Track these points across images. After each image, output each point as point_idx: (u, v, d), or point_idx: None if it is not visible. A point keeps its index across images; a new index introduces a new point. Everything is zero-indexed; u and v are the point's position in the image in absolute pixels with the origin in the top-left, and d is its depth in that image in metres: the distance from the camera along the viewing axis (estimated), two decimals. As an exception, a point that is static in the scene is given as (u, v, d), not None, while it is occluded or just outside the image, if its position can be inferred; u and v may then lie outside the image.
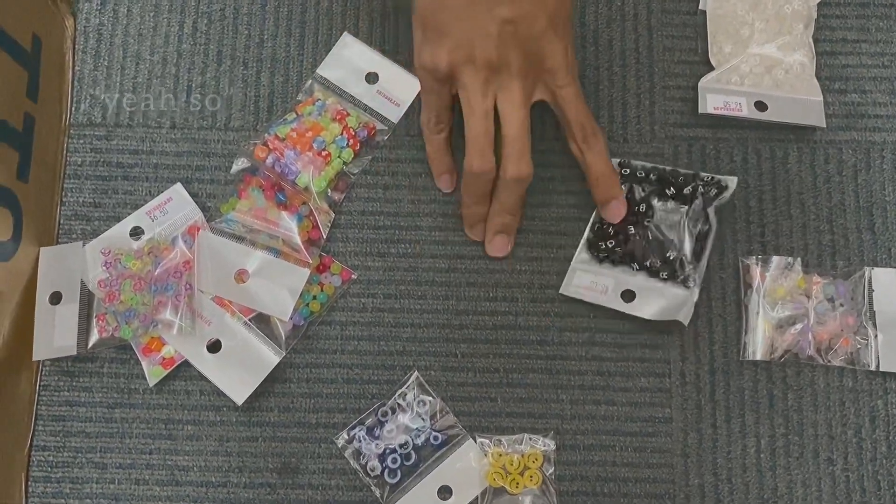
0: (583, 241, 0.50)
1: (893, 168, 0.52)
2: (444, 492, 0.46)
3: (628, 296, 0.49)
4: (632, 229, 0.49)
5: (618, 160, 0.50)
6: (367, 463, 0.46)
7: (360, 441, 0.47)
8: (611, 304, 0.49)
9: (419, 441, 0.47)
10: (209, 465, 0.48)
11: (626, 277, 0.49)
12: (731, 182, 0.49)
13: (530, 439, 0.47)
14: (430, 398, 0.47)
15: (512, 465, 0.46)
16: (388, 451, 0.46)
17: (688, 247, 0.49)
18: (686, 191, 0.49)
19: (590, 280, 0.49)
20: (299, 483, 0.48)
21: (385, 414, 0.47)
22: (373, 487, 0.46)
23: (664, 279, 0.49)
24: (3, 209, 0.45)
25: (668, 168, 0.50)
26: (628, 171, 0.50)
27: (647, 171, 0.50)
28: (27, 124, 0.47)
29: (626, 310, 0.48)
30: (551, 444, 0.47)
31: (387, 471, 0.46)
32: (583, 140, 0.47)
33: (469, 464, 0.47)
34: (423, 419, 0.47)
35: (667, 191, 0.49)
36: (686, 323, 0.47)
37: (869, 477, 0.48)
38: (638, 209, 0.49)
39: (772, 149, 0.52)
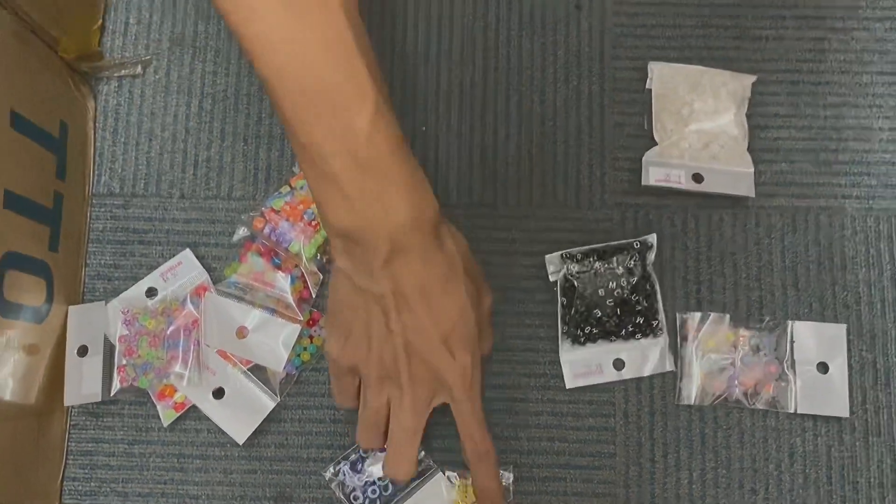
0: (561, 335, 0.56)
1: (817, 230, 0.59)
2: None
3: (618, 364, 0.56)
4: (598, 312, 0.56)
5: (559, 252, 0.56)
6: (350, 493, 0.54)
7: (344, 474, 0.54)
8: (610, 379, 0.56)
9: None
10: (215, 493, 0.56)
11: (610, 349, 0.56)
12: (653, 238, 0.56)
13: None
14: None
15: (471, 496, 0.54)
16: (367, 483, 0.54)
17: (645, 304, 0.56)
18: (622, 259, 0.56)
19: (584, 366, 0.56)
20: (293, 510, 0.55)
21: (367, 451, 0.55)
22: None
23: (639, 338, 0.56)
24: (38, 279, 0.53)
25: (601, 245, 0.56)
26: (573, 259, 0.56)
27: (585, 254, 0.56)
28: (56, 201, 0.55)
29: (624, 377, 0.55)
30: (510, 477, 0.55)
31: (367, 501, 0.54)
32: (474, 457, 0.49)
33: (439, 494, 0.54)
34: None
35: (610, 265, 0.56)
36: (673, 368, 0.55)
37: (787, 505, 0.55)
38: (596, 291, 0.56)
39: (709, 214, 0.59)
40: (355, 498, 0.54)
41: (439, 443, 0.56)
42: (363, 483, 0.54)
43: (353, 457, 0.55)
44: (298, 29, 0.39)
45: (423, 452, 0.55)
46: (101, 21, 0.61)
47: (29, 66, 0.53)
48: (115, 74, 0.60)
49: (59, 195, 0.55)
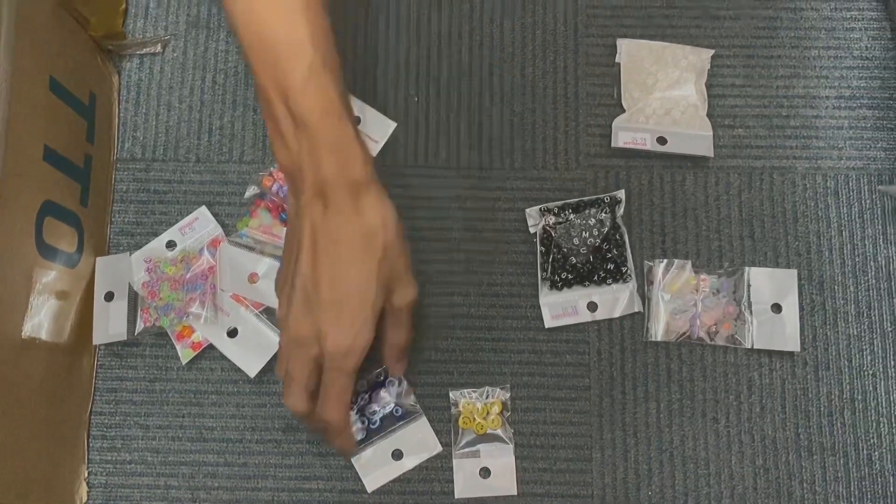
0: (540, 280, 0.62)
1: (770, 188, 0.65)
2: (397, 455, 0.60)
3: (592, 306, 0.62)
4: (573, 259, 0.62)
5: (538, 207, 0.63)
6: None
7: None
8: (584, 320, 0.62)
9: (385, 411, 0.60)
10: (228, 425, 0.61)
11: (584, 293, 0.62)
12: (621, 193, 0.63)
13: (491, 391, 0.60)
14: (400, 378, 0.61)
15: (477, 411, 0.60)
16: (361, 413, 0.60)
17: (615, 252, 0.62)
18: (594, 212, 0.62)
19: (560, 308, 0.63)
20: (299, 439, 0.61)
21: (362, 387, 0.60)
22: None
23: (610, 283, 0.62)
24: (71, 228, 0.59)
25: (575, 200, 0.63)
26: (550, 212, 0.63)
27: (561, 208, 0.63)
28: (87, 162, 0.61)
29: (597, 317, 0.61)
30: (507, 394, 0.60)
31: (357, 428, 0.59)
32: (321, 426, 0.54)
33: (419, 435, 0.60)
34: (391, 395, 0.60)
35: (584, 217, 0.62)
36: (641, 310, 0.61)
37: (745, 432, 0.61)
38: (571, 240, 0.62)
39: (672, 174, 0.65)
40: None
41: (431, 378, 0.62)
42: (357, 412, 0.60)
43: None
44: None
45: (414, 398, 0.60)
46: (124, 4, 0.67)
47: (64, 40, 0.59)
48: (138, 52, 0.67)
49: (88, 157, 0.61)
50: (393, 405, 0.60)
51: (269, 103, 0.48)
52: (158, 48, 0.67)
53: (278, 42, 0.47)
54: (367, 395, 0.60)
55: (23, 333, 0.54)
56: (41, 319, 0.56)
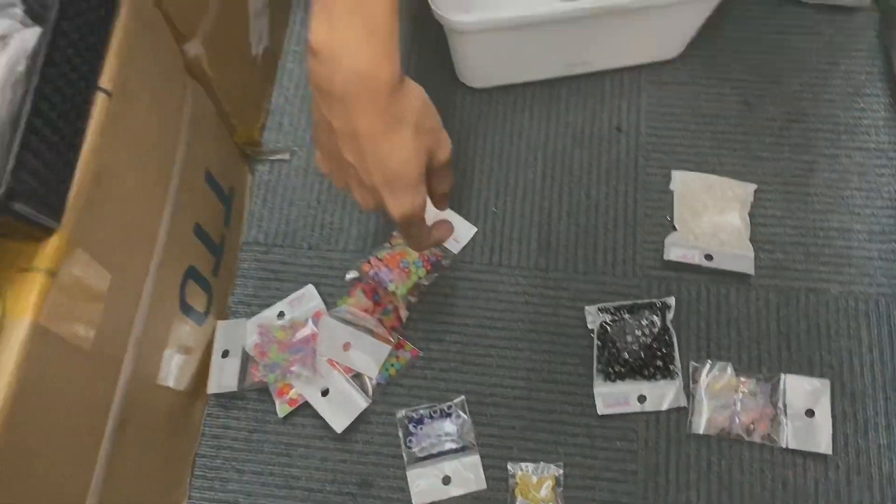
0: (595, 372, 0.71)
1: (806, 307, 0.73)
2: (446, 481, 0.67)
3: (641, 399, 0.70)
4: (626, 355, 0.71)
5: (597, 306, 0.72)
6: (407, 435, 0.68)
7: (411, 422, 0.69)
8: (634, 410, 0.69)
9: (445, 440, 0.68)
10: (312, 476, 0.70)
11: (635, 386, 0.70)
12: (671, 300, 0.71)
13: (545, 467, 0.68)
14: (464, 416, 0.69)
15: (532, 483, 0.67)
16: (423, 436, 0.68)
17: (664, 352, 0.70)
18: (647, 314, 0.71)
19: (613, 398, 0.71)
20: (372, 494, 0.69)
21: (434, 412, 0.69)
22: (403, 453, 0.68)
23: (658, 379, 0.70)
24: (204, 293, 0.71)
25: (630, 302, 0.72)
26: (607, 311, 0.72)
27: (617, 308, 0.72)
28: (221, 241, 0.74)
29: (646, 409, 0.69)
30: (560, 471, 0.67)
31: (416, 447, 0.68)
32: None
33: (470, 469, 0.68)
34: (453, 427, 0.68)
35: (638, 318, 0.71)
36: (686, 405, 0.68)
37: (780, 526, 0.66)
38: (625, 338, 0.71)
39: (717, 287, 0.74)
40: (409, 442, 0.68)
41: (490, 430, 0.69)
42: (419, 434, 0.68)
43: (422, 411, 0.69)
44: None
45: (473, 436, 0.68)
46: (264, 119, 0.83)
47: (218, 143, 0.74)
48: (269, 158, 0.81)
49: (223, 237, 0.74)
50: (455, 437, 0.69)
51: None
52: (287, 156, 0.81)
53: None
54: (427, 419, 0.70)
55: (157, 379, 0.65)
56: (171, 368, 0.67)
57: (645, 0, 0.72)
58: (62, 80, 0.48)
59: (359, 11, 0.46)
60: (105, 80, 0.52)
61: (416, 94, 0.51)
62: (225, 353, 0.72)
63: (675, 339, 0.71)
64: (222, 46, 0.71)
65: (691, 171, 0.78)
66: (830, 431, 0.68)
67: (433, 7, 0.71)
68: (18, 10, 0.47)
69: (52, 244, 0.47)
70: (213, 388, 0.71)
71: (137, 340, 0.59)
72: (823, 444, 0.67)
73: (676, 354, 0.71)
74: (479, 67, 0.81)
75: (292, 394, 0.71)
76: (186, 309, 0.68)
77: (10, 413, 0.44)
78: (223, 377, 0.71)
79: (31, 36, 0.46)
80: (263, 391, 0.72)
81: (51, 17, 0.47)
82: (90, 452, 0.54)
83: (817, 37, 0.84)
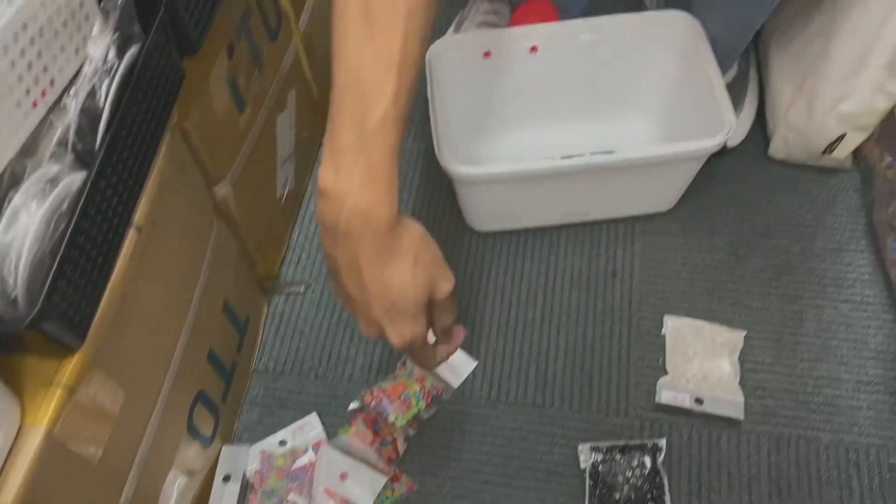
0: None
1: (797, 454, 0.74)
2: None
3: None
4: (616, 494, 0.72)
5: (589, 444, 0.74)
6: None
7: None
8: None
9: None
10: None
11: None
12: (662, 441, 0.73)
13: None
14: None
15: None
16: None
17: (655, 493, 0.71)
18: (638, 454, 0.73)
19: None
20: None
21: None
22: None
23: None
24: (212, 417, 0.74)
25: (622, 442, 0.74)
26: (600, 451, 0.74)
27: (609, 448, 0.74)
28: (233, 367, 0.78)
29: None
30: None
31: None
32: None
33: None
34: None
35: (629, 459, 0.73)
36: None
37: None
38: (615, 477, 0.73)
39: (709, 431, 0.76)
40: None
41: None
42: None
43: None
44: (366, 41, 0.53)
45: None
46: (283, 255, 0.89)
47: (238, 275, 0.80)
48: (285, 291, 0.87)
49: (234, 364, 0.79)
50: None
51: (339, 128, 0.53)
52: (302, 289, 0.87)
53: (368, 83, 0.53)
54: None
55: (159, 501, 0.67)
56: (172, 491, 0.69)
57: (636, 158, 0.79)
58: (100, 217, 0.54)
59: (361, 160, 0.53)
60: (138, 217, 0.58)
61: (413, 228, 0.56)
62: (227, 478, 0.75)
63: (665, 482, 0.72)
64: (250, 189, 0.78)
65: (683, 316, 0.82)
66: (824, 584, 0.67)
67: (441, 161, 0.78)
68: (70, 157, 0.55)
69: (74, 362, 0.52)
70: (211, 512, 0.73)
71: (143, 459, 0.62)
72: None
73: (667, 497, 0.72)
74: (484, 214, 0.87)
75: (289, 521, 0.72)
76: (194, 432, 0.71)
77: (16, 518, 0.47)
78: (223, 502, 0.73)
79: (77, 179, 0.53)
80: (261, 517, 0.74)
81: (94, 164, 0.54)
82: (86, 567, 0.56)
83: (803, 195, 0.90)
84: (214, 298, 0.73)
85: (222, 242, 0.74)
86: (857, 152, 0.89)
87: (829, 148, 0.86)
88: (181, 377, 0.67)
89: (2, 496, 0.47)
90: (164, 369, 0.65)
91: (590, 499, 0.72)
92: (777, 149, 0.91)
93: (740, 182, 0.91)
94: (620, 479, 0.72)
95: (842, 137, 0.85)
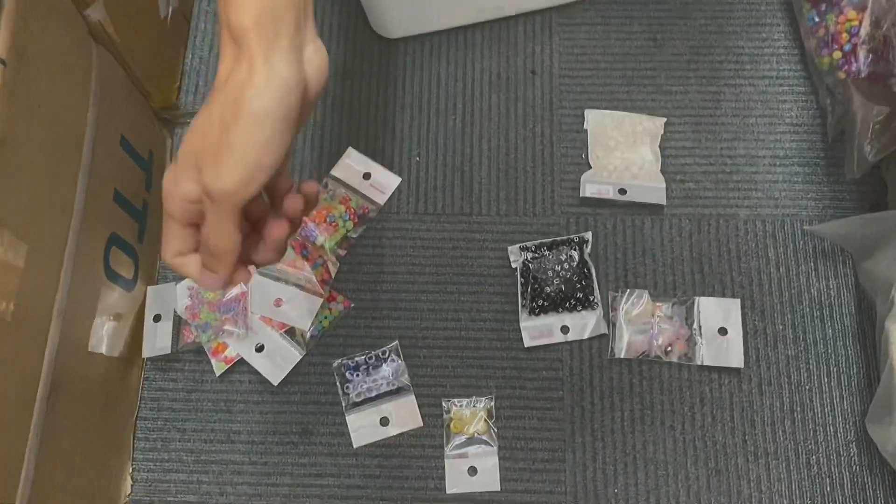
0: (520, 307, 0.73)
1: (717, 232, 0.77)
2: (384, 422, 0.70)
3: (564, 329, 0.73)
4: (548, 289, 0.74)
5: (518, 245, 0.75)
6: (344, 383, 0.71)
7: (347, 369, 0.71)
8: (558, 341, 0.72)
9: (381, 384, 0.71)
10: (253, 429, 0.72)
11: (558, 318, 0.73)
12: (588, 234, 0.74)
13: (478, 400, 0.71)
14: (398, 360, 0.71)
15: (466, 417, 0.70)
16: (359, 382, 0.71)
17: (584, 284, 0.73)
18: (566, 249, 0.74)
19: (538, 331, 0.74)
20: (313, 441, 0.71)
21: (370, 358, 0.72)
22: (341, 399, 0.70)
23: (580, 310, 0.73)
24: (129, 259, 0.71)
25: (549, 240, 0.75)
26: (529, 250, 0.75)
27: (537, 246, 0.75)
28: (144, 206, 0.74)
29: (569, 339, 0.72)
30: (492, 403, 0.71)
31: (353, 393, 0.70)
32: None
33: (406, 408, 0.71)
34: (389, 370, 0.71)
35: (557, 254, 0.74)
36: (607, 332, 0.72)
37: (699, 438, 0.70)
38: (546, 273, 0.74)
39: (632, 219, 0.77)
40: (346, 387, 0.71)
41: (425, 370, 0.72)
42: (357, 378, 0.71)
43: (358, 358, 0.72)
44: None
45: (408, 378, 0.71)
46: (178, 82, 0.82)
47: (131, 108, 0.73)
48: (187, 120, 0.81)
49: (145, 202, 0.74)
50: (389, 379, 0.71)
51: None
52: (205, 117, 0.81)
53: None
54: (364, 366, 0.72)
55: (88, 347, 0.65)
56: (102, 335, 0.68)
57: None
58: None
59: None
60: (0, 50, 0.52)
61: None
62: (157, 318, 0.73)
63: (593, 272, 0.74)
64: (128, 9, 0.70)
65: (603, 109, 0.80)
66: (742, 347, 0.72)
67: (337, -41, 0.71)
68: None
69: (-41, 217, 0.47)
70: (147, 352, 0.72)
71: (62, 309, 0.60)
72: (736, 360, 0.72)
73: (595, 286, 0.74)
74: (392, 15, 0.81)
75: (227, 352, 0.72)
76: (113, 276, 0.68)
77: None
78: (157, 340, 0.72)
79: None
80: (199, 352, 0.73)
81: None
82: (21, 420, 0.55)
83: (720, -30, 0.87)
84: (109, 134, 0.68)
85: (106, 72, 0.67)
86: (774, -81, 0.85)
87: (747, -85, 0.82)
88: (88, 221, 0.63)
89: None
90: (67, 214, 0.61)
91: (522, 296, 0.74)
92: (693, -79, 0.86)
93: (656, -39, 0.87)
94: (550, 273, 0.74)
95: None
